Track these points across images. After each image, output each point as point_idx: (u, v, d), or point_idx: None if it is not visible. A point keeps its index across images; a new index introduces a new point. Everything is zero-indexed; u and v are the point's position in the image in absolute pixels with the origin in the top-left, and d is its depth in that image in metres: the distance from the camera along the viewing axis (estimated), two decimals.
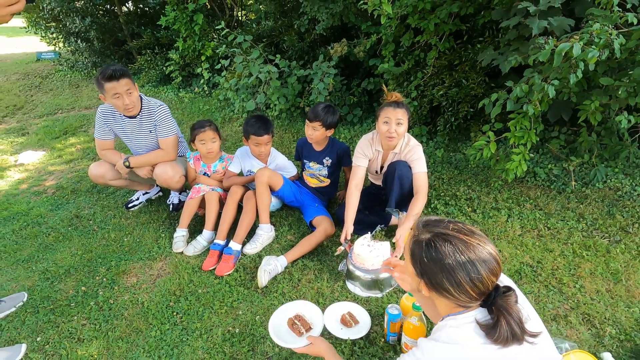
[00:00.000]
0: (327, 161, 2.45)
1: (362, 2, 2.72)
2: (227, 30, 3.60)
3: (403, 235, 2.01)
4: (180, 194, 2.76)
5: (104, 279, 2.12)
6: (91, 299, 1.99)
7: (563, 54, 1.84)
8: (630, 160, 2.62)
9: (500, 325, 0.90)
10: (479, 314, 0.97)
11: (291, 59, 4.12)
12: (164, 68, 5.45)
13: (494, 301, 0.94)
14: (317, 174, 2.50)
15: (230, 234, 2.32)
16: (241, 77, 4.05)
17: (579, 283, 1.86)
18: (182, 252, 2.30)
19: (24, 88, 6.33)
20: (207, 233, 2.35)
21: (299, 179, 2.68)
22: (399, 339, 1.64)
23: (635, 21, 1.89)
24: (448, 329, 0.98)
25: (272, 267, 2.01)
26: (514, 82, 2.88)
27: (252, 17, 6.45)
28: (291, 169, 2.59)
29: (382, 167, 2.32)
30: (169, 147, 2.46)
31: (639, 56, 1.97)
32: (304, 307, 1.72)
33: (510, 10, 2.59)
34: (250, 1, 5.97)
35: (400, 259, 1.98)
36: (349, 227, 2.14)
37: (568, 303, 1.77)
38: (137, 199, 2.82)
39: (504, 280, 1.08)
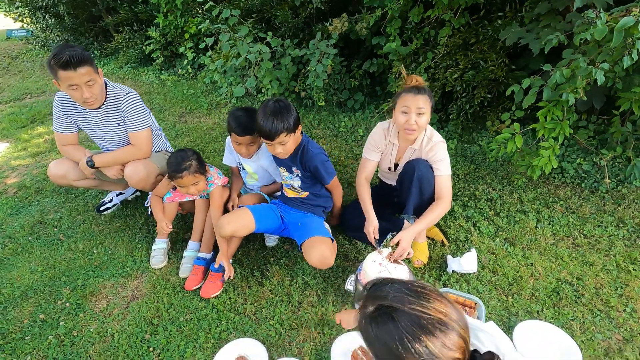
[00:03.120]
0: (297, 170, 1.85)
1: None
2: (211, 3, 3.15)
3: (407, 238, 1.67)
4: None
5: (67, 304, 1.79)
6: (51, 331, 1.66)
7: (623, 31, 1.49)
8: None
9: None
10: None
11: (284, 37, 3.68)
12: (144, 47, 4.95)
13: None
14: (289, 184, 1.93)
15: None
16: (228, 57, 3.62)
17: (629, 306, 1.58)
18: (161, 269, 1.97)
19: None
20: (194, 245, 2.02)
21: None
22: None
23: None
24: None
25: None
26: (541, 65, 2.54)
27: None
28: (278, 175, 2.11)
29: (396, 165, 1.99)
30: (142, 142, 2.08)
31: None
32: (248, 347, 1.54)
33: None
34: None
35: (409, 262, 1.66)
36: (372, 220, 1.77)
37: (620, 332, 1.49)
38: (111, 200, 2.46)
39: (491, 337, 0.93)
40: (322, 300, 1.72)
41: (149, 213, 2.36)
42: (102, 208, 2.43)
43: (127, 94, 2.03)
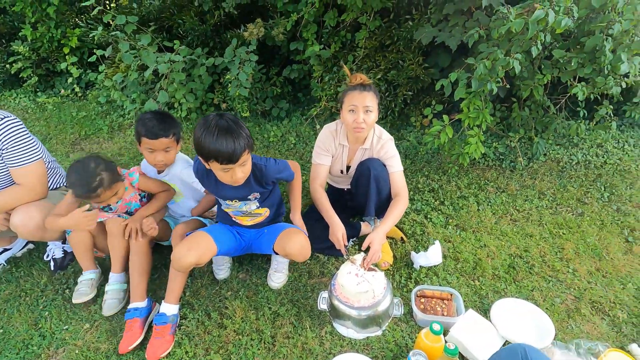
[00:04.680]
0: (255, 194, 1.57)
1: None
2: (100, 8, 2.68)
3: (378, 239, 1.62)
4: (64, 243, 1.91)
5: None
6: None
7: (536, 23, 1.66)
8: (558, 131, 2.73)
9: None
10: None
11: (191, 46, 3.37)
12: (8, 66, 4.05)
13: None
14: (246, 211, 1.63)
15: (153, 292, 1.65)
16: (128, 70, 3.15)
17: (570, 267, 1.77)
18: (84, 338, 1.54)
19: None
20: (116, 277, 1.66)
21: (218, 212, 1.77)
22: None
23: None
24: None
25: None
26: (450, 61, 2.76)
27: (126, 3, 5.30)
28: (200, 189, 1.84)
29: (348, 168, 1.91)
30: (31, 180, 1.61)
31: (587, 26, 1.93)
32: None
33: None
34: None
35: (376, 265, 1.62)
36: (338, 226, 1.67)
37: (571, 292, 1.65)
38: None
39: None
40: (297, 328, 1.54)
41: (52, 269, 1.86)
42: None
43: (2, 119, 1.56)
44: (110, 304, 1.61)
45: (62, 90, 3.95)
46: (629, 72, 1.97)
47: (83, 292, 1.64)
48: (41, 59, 4.09)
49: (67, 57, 3.89)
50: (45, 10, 3.76)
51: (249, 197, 1.56)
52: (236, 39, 3.01)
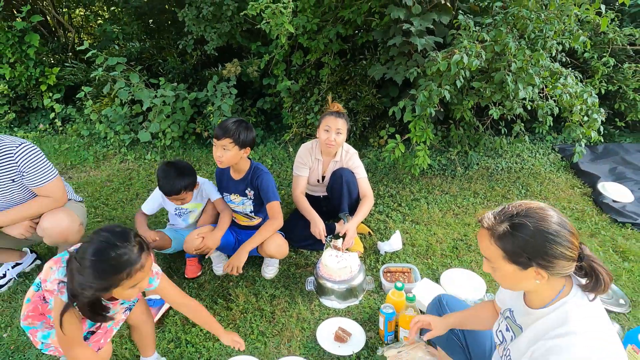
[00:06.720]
0: (250, 192, 1.99)
1: (263, 22, 2.71)
2: (94, 51, 3.01)
3: (353, 227, 2.09)
4: None
5: None
6: None
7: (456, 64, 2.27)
8: (486, 145, 3.38)
9: (600, 273, 0.92)
10: (575, 280, 0.97)
11: (172, 82, 3.74)
12: None
13: (584, 255, 0.93)
14: (241, 211, 2.08)
15: None
16: (114, 105, 3.45)
17: None
18: None
19: None
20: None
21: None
22: (396, 335, 1.68)
23: (488, 38, 2.49)
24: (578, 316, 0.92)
25: None
26: (398, 92, 3.37)
27: (90, 42, 5.59)
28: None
29: (323, 177, 2.35)
30: (54, 192, 1.86)
31: (494, 65, 2.59)
32: None
33: (389, 31, 3.03)
34: (100, 20, 5.16)
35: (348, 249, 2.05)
36: (317, 221, 2.09)
37: None
38: (3, 275, 2.04)
39: None
40: (292, 304, 1.88)
41: None
42: None
43: (19, 145, 1.81)
44: None
45: (41, 125, 4.10)
46: (526, 97, 2.63)
47: None
48: (17, 96, 4.25)
49: (44, 94, 4.10)
50: (25, 52, 4.00)
51: (245, 191, 1.97)
52: (217, 76, 3.45)
